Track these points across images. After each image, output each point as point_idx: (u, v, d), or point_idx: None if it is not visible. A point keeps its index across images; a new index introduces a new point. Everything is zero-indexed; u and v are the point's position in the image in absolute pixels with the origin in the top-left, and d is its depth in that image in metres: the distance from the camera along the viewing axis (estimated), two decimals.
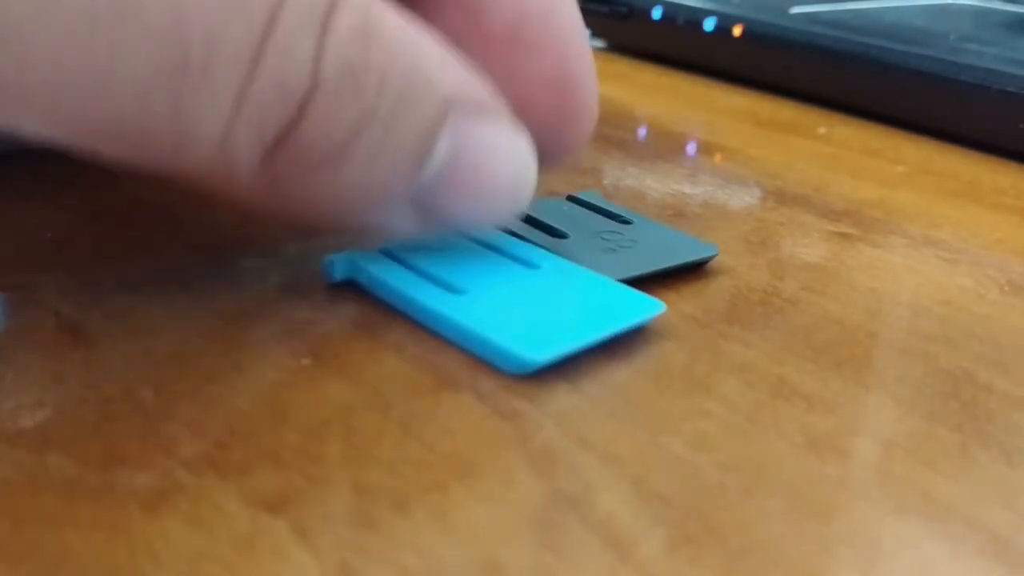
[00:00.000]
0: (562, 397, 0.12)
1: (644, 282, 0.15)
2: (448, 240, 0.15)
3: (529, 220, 0.16)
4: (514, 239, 0.15)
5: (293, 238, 0.16)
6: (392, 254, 0.14)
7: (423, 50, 0.11)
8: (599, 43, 0.33)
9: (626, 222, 0.16)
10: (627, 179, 0.20)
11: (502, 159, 0.12)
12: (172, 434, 0.11)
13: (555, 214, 0.16)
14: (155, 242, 0.15)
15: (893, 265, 0.16)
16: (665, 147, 0.23)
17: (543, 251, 0.15)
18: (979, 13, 0.31)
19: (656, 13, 0.30)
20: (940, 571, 0.10)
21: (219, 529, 0.09)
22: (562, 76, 0.14)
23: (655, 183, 0.20)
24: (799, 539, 0.10)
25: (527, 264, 0.14)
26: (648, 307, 0.13)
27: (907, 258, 0.17)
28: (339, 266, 0.14)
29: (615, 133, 0.23)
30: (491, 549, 0.09)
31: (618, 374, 0.12)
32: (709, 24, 0.29)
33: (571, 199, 0.17)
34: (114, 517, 0.09)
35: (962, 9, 0.32)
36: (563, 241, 0.15)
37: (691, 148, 0.23)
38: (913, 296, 0.15)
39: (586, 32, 0.14)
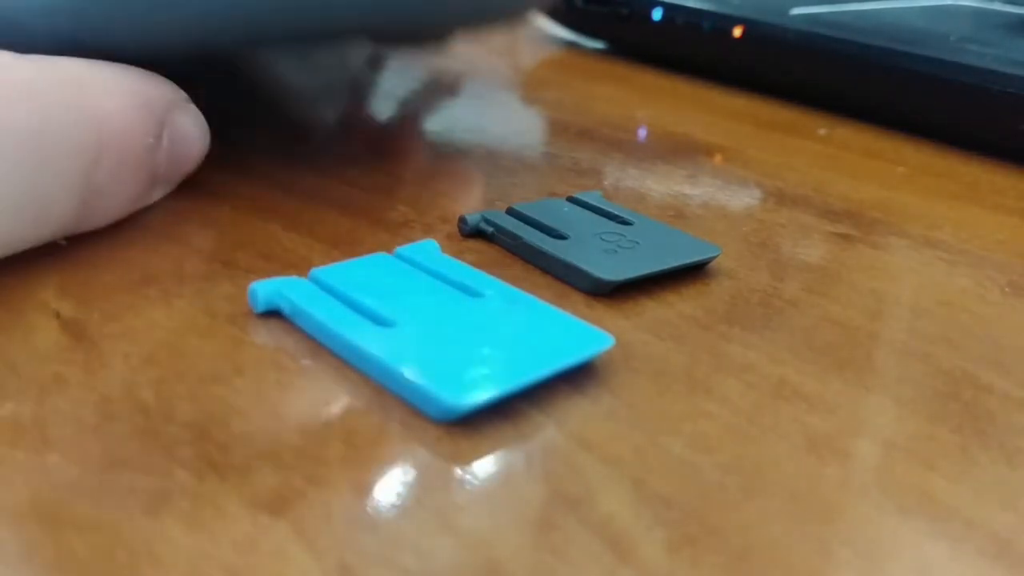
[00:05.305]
0: (562, 397, 0.12)
1: (645, 283, 0.15)
2: (386, 266, 0.14)
3: (530, 221, 0.16)
4: (460, 264, 0.14)
5: (293, 241, 0.16)
6: (322, 282, 0.13)
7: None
8: (599, 44, 0.33)
9: (627, 223, 0.16)
10: (628, 180, 0.20)
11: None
12: (172, 434, 0.11)
13: (556, 215, 0.16)
14: (156, 242, 0.15)
15: (893, 266, 0.16)
16: (665, 148, 0.23)
17: (489, 278, 0.14)
18: (979, 14, 0.31)
19: (656, 14, 0.30)
20: (940, 572, 0.10)
21: (219, 530, 0.09)
22: None
23: (655, 184, 0.20)
24: (799, 540, 0.10)
25: (469, 292, 0.13)
26: (596, 341, 0.12)
27: (907, 259, 0.17)
28: (262, 295, 0.13)
29: (615, 134, 0.23)
30: (491, 549, 0.09)
31: (618, 375, 0.12)
32: (709, 25, 0.29)
33: (572, 200, 0.17)
34: (114, 518, 0.09)
35: (962, 10, 0.32)
36: (564, 242, 0.15)
37: (690, 149, 0.23)
38: (913, 297, 0.15)
39: None
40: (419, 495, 0.10)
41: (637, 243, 0.16)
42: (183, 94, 0.16)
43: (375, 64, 0.29)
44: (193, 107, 0.16)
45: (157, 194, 0.16)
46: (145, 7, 0.15)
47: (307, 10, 0.16)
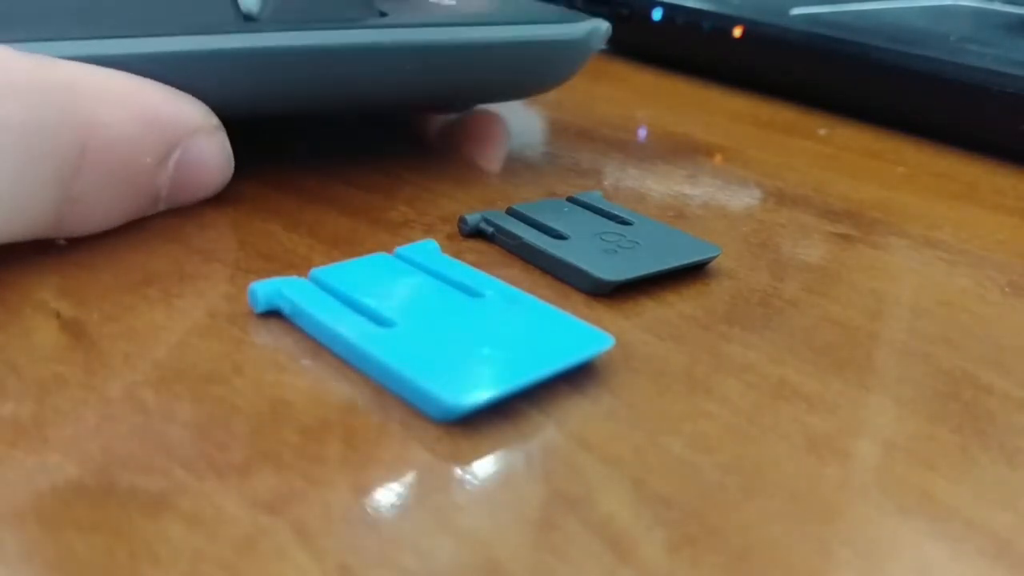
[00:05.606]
0: (562, 397, 0.12)
1: (645, 283, 0.15)
2: (386, 266, 0.14)
3: (530, 221, 0.16)
4: (460, 264, 0.14)
5: (293, 241, 0.16)
6: (322, 282, 0.13)
7: None
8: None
9: (627, 223, 0.16)
10: (628, 180, 0.20)
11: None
12: (172, 434, 0.11)
13: (556, 215, 0.16)
14: (156, 242, 0.15)
15: (893, 266, 0.16)
16: (665, 148, 0.23)
17: (489, 278, 0.14)
18: (979, 14, 0.31)
19: (656, 14, 0.30)
20: (940, 572, 0.10)
21: (219, 530, 0.09)
22: None
23: (656, 184, 0.20)
24: (799, 540, 0.10)
25: (469, 292, 0.13)
26: (596, 341, 0.12)
27: (907, 259, 0.17)
28: (262, 295, 0.13)
29: (615, 134, 0.23)
30: (491, 549, 0.09)
31: (619, 375, 0.12)
32: (709, 25, 0.29)
33: (572, 200, 0.17)
34: (114, 518, 0.09)
35: (962, 10, 0.32)
36: (564, 242, 0.15)
37: (690, 149, 0.23)
38: (913, 297, 0.15)
39: None
40: (419, 495, 0.10)
41: (637, 243, 0.16)
42: (213, 120, 0.15)
43: None
44: (221, 134, 0.15)
45: (160, 208, 0.16)
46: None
47: (358, 95, 0.18)
